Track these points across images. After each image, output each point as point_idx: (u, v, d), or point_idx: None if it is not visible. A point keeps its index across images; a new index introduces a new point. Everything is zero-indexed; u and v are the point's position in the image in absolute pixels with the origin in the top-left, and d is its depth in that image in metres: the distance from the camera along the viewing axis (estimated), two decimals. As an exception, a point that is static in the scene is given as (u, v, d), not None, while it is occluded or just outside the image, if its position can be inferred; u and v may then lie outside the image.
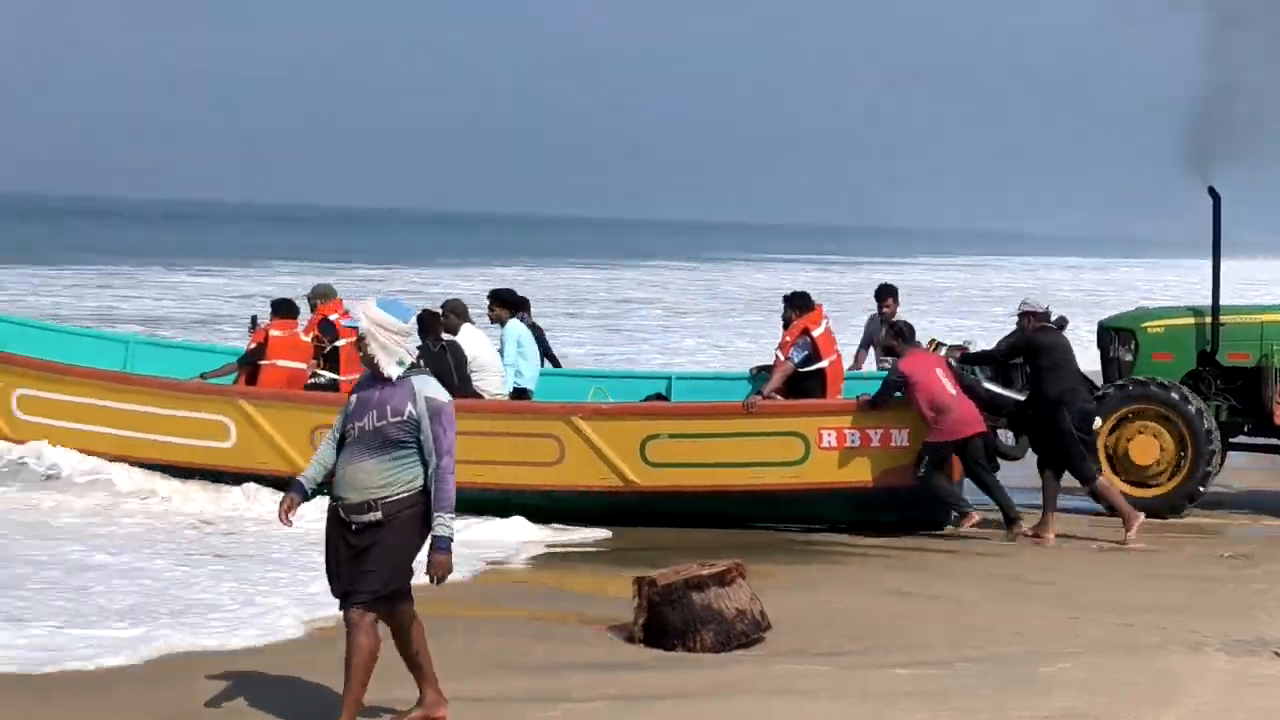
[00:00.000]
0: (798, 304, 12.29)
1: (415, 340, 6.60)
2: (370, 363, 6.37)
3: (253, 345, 12.16)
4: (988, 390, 11.95)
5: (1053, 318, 12.35)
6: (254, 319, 12.63)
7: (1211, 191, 13.36)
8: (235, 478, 11.72)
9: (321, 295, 12.74)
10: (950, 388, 11.28)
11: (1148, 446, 12.51)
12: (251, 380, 12.02)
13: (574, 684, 7.32)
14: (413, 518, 6.35)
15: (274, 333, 12.08)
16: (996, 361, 12.30)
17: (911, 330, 11.92)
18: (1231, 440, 13.20)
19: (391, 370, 6.31)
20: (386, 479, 6.31)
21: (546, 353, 13.52)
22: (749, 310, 39.12)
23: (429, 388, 6.37)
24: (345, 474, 6.36)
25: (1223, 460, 13.02)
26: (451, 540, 6.31)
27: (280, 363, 12.00)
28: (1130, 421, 12.58)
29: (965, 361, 12.16)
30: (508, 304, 12.72)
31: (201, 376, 12.14)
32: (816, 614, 8.97)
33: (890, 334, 11.88)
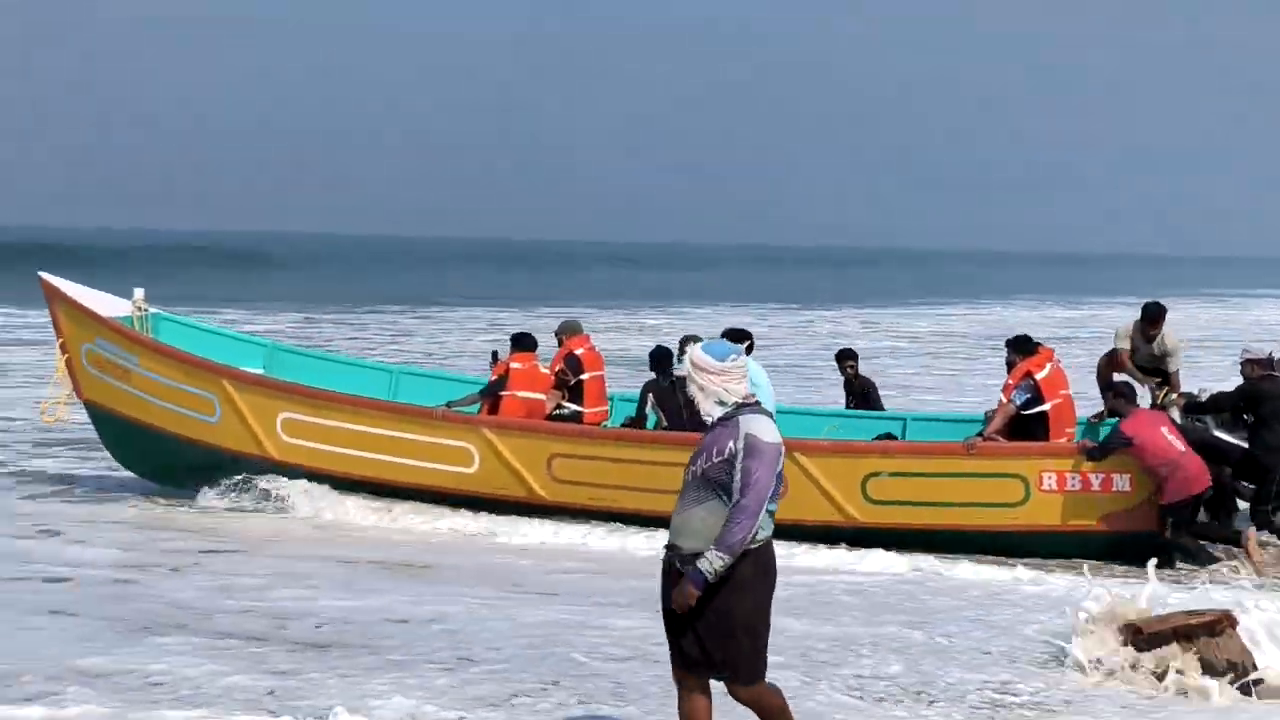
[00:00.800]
0: (1020, 348, 12.48)
1: (742, 380, 5.93)
2: (692, 407, 6.09)
3: (494, 377, 12.87)
4: (1214, 438, 11.94)
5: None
6: (495, 354, 13.33)
7: None
8: (477, 503, 12.56)
9: (568, 330, 13.38)
10: (1178, 445, 11.36)
11: None
12: (494, 411, 12.74)
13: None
14: (757, 567, 5.89)
15: (514, 365, 12.79)
16: (1219, 410, 12.24)
17: (1132, 391, 12.00)
18: None
19: (712, 411, 5.94)
20: (710, 527, 5.83)
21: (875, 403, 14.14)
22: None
23: (754, 425, 5.90)
24: (677, 521, 5.94)
25: None
26: (706, 580, 5.75)
27: (520, 394, 12.69)
28: None
29: (1188, 411, 12.17)
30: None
31: (448, 405, 12.92)
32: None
33: (1112, 396, 11.95)
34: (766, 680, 6.03)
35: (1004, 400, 12.19)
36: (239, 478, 13.03)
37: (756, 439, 5.82)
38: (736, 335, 13.06)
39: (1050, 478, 11.64)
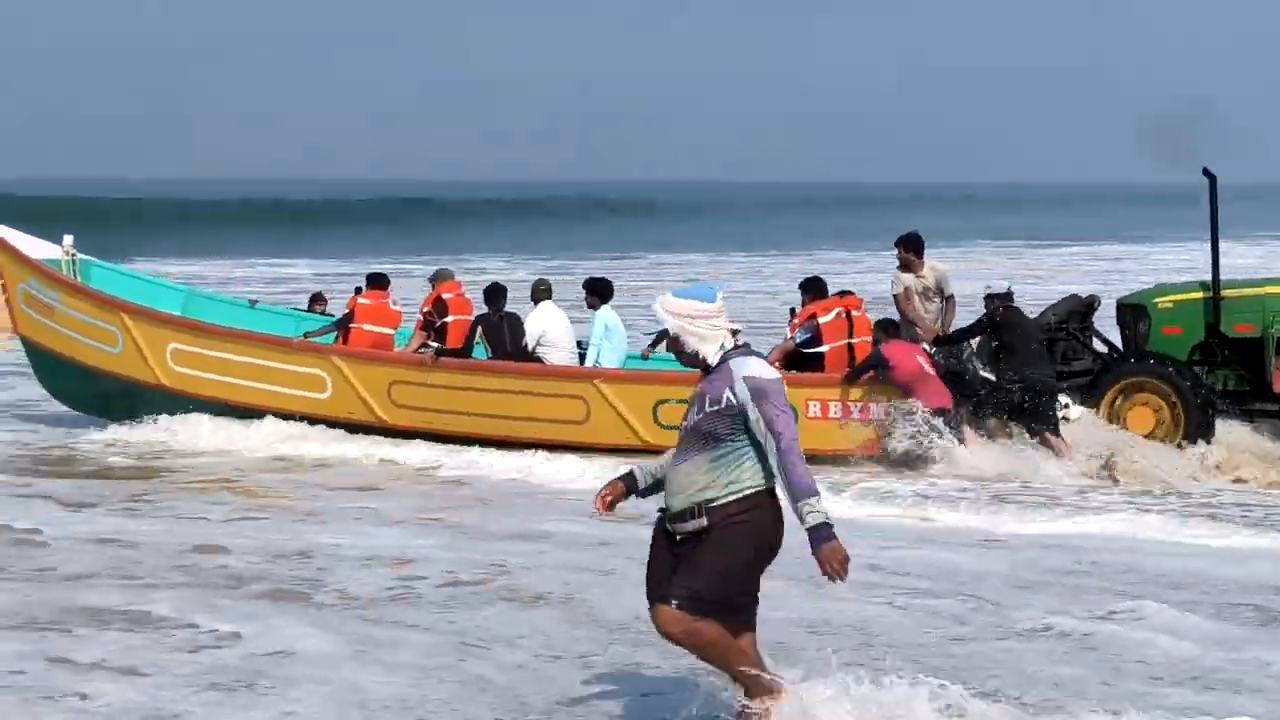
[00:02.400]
0: (810, 289, 13.88)
1: (726, 321, 5.66)
2: (695, 359, 5.66)
3: (346, 311, 14.73)
4: (964, 368, 13.38)
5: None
6: (358, 289, 15.19)
7: (1206, 172, 14.18)
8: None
9: (440, 278, 14.85)
10: (928, 368, 12.81)
11: (1144, 417, 13.60)
12: (345, 342, 14.56)
13: None
14: (748, 525, 5.51)
15: (361, 301, 14.58)
16: (966, 338, 13.65)
17: (895, 326, 13.40)
18: (1243, 408, 14.04)
19: (714, 356, 5.61)
20: (709, 479, 5.51)
21: None
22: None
23: (747, 366, 5.55)
24: (669, 478, 5.66)
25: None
26: (831, 526, 5.36)
27: (366, 326, 14.44)
28: (1129, 394, 13.64)
29: (937, 344, 13.55)
30: (598, 293, 14.55)
31: (305, 335, 14.80)
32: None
33: (878, 329, 13.34)
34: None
35: (788, 336, 13.66)
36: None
37: (761, 380, 5.51)
38: (599, 288, 14.56)
39: (815, 405, 13.11)
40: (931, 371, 12.82)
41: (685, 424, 5.66)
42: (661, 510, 5.71)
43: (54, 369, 15.56)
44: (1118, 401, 13.66)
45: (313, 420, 14.26)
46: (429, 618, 8.32)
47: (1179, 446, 13.21)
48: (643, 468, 5.88)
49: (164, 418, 14.55)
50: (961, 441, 12.73)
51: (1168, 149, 15.04)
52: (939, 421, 12.62)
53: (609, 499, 5.78)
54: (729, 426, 5.52)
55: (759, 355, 5.79)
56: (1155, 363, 13.69)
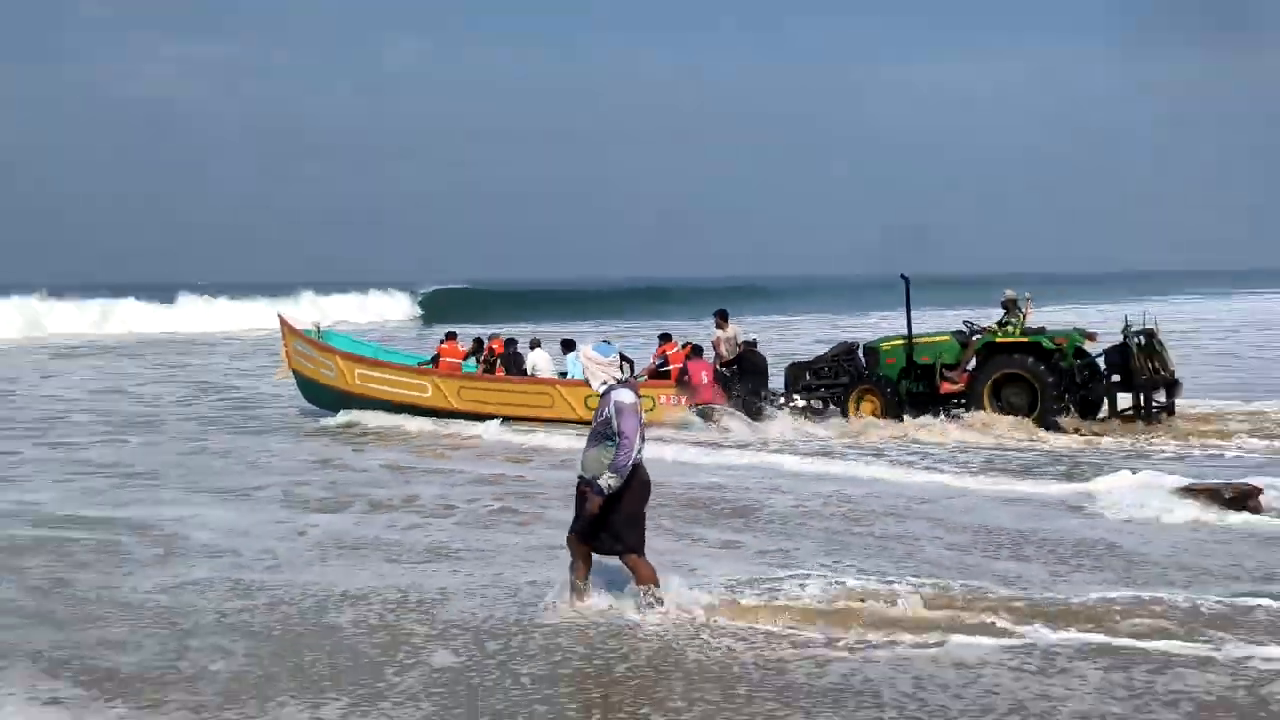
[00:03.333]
0: (664, 339, 25.52)
1: (616, 369, 9.40)
2: (591, 384, 9.25)
3: (435, 353, 27.08)
4: (728, 380, 24.19)
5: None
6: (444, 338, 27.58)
7: (903, 276, 24.41)
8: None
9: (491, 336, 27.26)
10: (705, 379, 23.56)
11: (870, 407, 23.79)
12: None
13: None
14: (634, 484, 9.17)
15: (443, 345, 26.84)
16: (732, 365, 24.58)
17: (700, 350, 24.48)
18: (928, 403, 23.80)
19: (598, 386, 9.21)
20: (607, 459, 9.09)
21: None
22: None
23: (617, 395, 9.03)
24: (583, 459, 9.31)
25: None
26: (605, 491, 8.99)
27: (446, 359, 26.69)
28: (863, 396, 23.92)
29: (726, 365, 24.50)
30: (568, 346, 26.05)
31: (419, 364, 27.20)
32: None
33: (691, 352, 24.42)
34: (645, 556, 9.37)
35: (651, 363, 24.96)
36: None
37: (621, 403, 9.03)
38: (569, 343, 26.34)
39: (664, 397, 24.17)
40: (708, 381, 23.60)
41: (592, 424, 9.37)
42: (580, 476, 9.38)
43: (306, 386, 28.20)
44: (858, 399, 24.01)
45: (421, 410, 26.42)
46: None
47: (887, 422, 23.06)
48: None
49: (355, 411, 27.01)
50: (724, 418, 23.47)
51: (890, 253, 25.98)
52: (703, 409, 23.27)
53: (600, 503, 9.25)
54: (608, 429, 9.08)
55: (630, 388, 9.32)
56: (876, 379, 24.03)
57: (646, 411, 20.95)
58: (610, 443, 9.10)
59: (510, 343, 26.46)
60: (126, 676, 9.03)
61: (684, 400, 23.48)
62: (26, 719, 8.17)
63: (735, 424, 22.66)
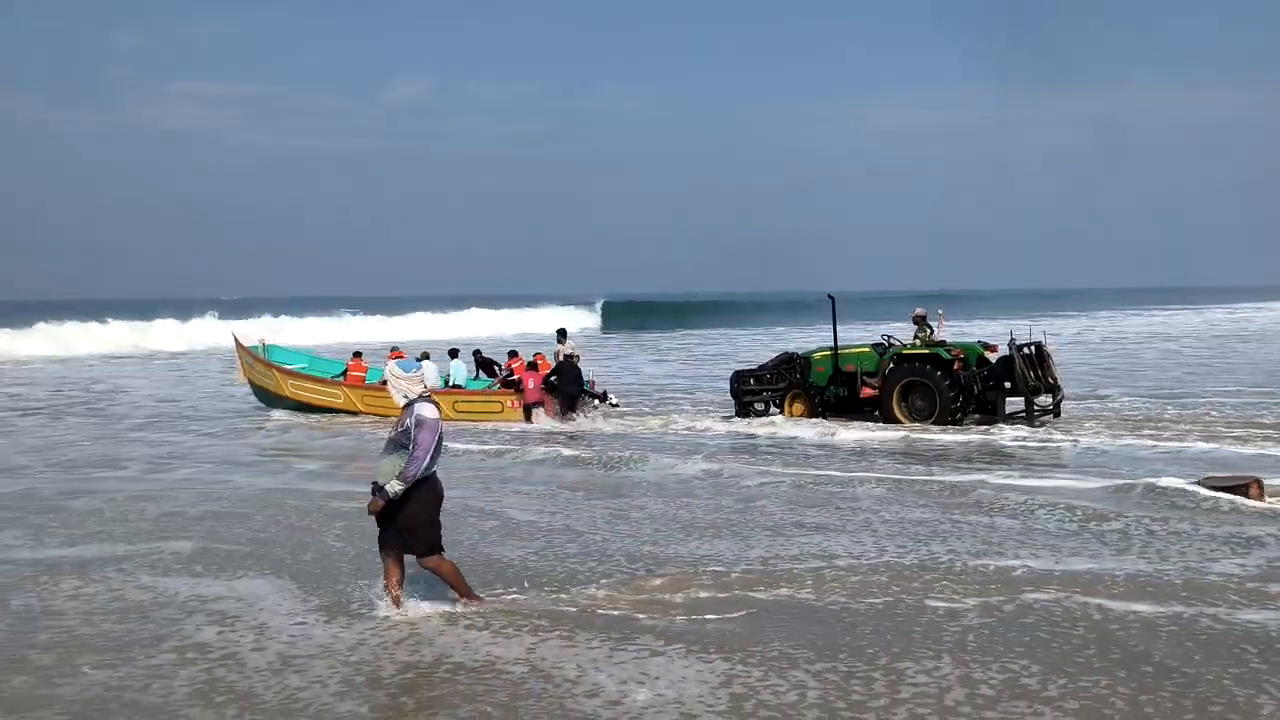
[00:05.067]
0: (513, 355, 28.37)
1: (419, 384, 9.58)
2: (394, 397, 9.57)
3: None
4: (565, 385, 25.96)
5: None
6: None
7: (830, 296, 25.70)
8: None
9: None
10: (533, 386, 26.13)
11: (799, 409, 25.12)
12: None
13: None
14: (425, 490, 9.34)
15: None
16: (554, 374, 26.44)
17: (534, 365, 26.61)
18: (851, 407, 24.95)
19: (399, 400, 9.48)
20: (395, 469, 9.25)
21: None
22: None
23: (421, 409, 9.29)
24: (378, 466, 9.38)
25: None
26: (390, 495, 9.18)
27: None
28: (795, 398, 25.32)
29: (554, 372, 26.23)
30: (452, 352, 28.05)
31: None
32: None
33: (528, 365, 26.36)
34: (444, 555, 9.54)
35: (503, 374, 27.12)
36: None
37: (422, 417, 9.31)
38: (454, 351, 26.80)
39: (516, 400, 25.50)
40: (534, 387, 25.73)
41: (390, 434, 9.39)
42: (374, 484, 9.45)
43: (257, 391, 29.84)
44: (791, 401, 25.14)
45: (336, 410, 27.27)
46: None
47: (801, 420, 24.22)
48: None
49: (287, 412, 27.87)
50: (552, 416, 25.52)
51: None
52: (529, 407, 25.63)
53: (380, 505, 9.42)
54: (406, 439, 9.31)
55: (431, 403, 9.54)
56: (806, 385, 24.77)
57: (496, 413, 25.89)
58: (405, 452, 9.33)
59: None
60: None
61: (516, 403, 26.39)
62: None
63: (550, 419, 25.79)
